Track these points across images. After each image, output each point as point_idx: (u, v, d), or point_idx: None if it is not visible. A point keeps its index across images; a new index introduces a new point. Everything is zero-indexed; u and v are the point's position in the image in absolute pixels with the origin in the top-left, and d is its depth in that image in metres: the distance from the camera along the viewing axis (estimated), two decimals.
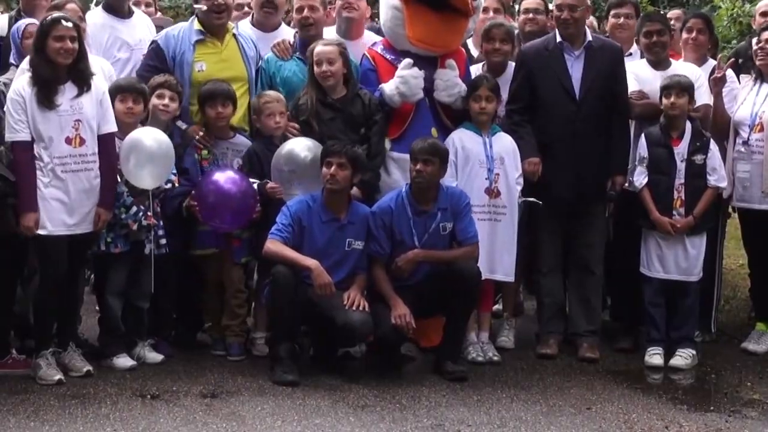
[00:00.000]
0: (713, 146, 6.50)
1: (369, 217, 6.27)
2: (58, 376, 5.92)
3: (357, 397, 5.76)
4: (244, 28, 7.01)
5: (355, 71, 6.61)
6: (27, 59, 6.11)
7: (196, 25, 6.73)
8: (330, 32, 6.98)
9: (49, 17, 5.92)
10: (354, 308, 6.09)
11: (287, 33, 7.04)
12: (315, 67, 6.44)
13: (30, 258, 6.11)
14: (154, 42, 6.74)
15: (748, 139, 6.64)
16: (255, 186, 6.35)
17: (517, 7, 7.79)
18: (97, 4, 7.35)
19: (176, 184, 6.37)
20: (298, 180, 6.31)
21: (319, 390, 5.88)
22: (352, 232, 6.23)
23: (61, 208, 5.89)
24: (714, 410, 5.70)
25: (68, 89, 5.89)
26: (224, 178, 6.33)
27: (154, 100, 6.31)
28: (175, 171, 6.34)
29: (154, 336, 6.51)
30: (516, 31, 7.24)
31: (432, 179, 6.21)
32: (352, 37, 6.91)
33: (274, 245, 6.10)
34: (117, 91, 6.24)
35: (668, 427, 5.41)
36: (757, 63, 6.64)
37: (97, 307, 6.57)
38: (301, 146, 6.33)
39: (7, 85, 6.01)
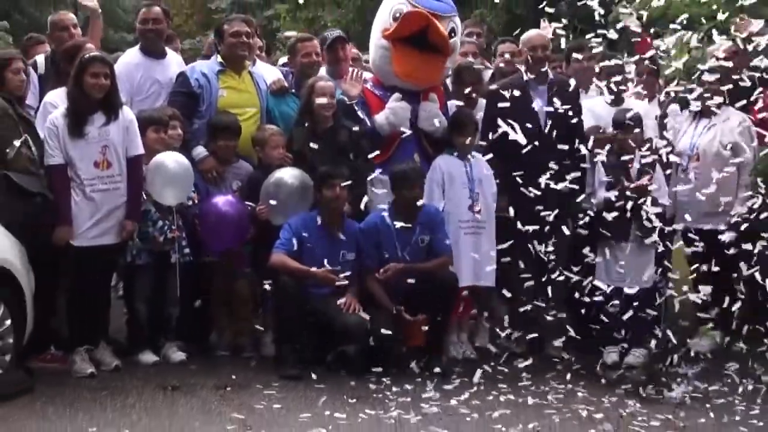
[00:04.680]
0: (658, 169, 6.57)
1: (359, 234, 6.35)
2: (91, 370, 6.02)
3: (353, 390, 5.81)
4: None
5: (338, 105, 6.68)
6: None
7: (218, 59, 6.89)
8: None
9: (87, 55, 6.05)
10: (350, 312, 6.21)
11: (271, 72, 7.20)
12: (318, 99, 6.52)
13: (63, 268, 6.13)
14: (181, 73, 6.84)
15: (687, 167, 6.76)
16: (250, 209, 6.43)
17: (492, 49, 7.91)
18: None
19: (196, 201, 6.41)
20: (284, 204, 6.35)
21: (320, 383, 5.92)
22: (345, 245, 6.35)
23: (90, 222, 6.01)
24: (662, 404, 5.74)
25: (97, 118, 6.02)
26: (223, 201, 6.41)
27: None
28: (194, 189, 6.45)
29: (181, 339, 6.50)
30: (490, 70, 7.40)
31: (420, 197, 6.35)
32: (339, 76, 7.01)
33: (279, 257, 6.20)
34: (151, 122, 6.35)
35: (623, 416, 5.44)
36: (700, 105, 6.62)
37: (125, 310, 6.64)
38: (288, 174, 6.40)
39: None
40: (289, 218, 6.34)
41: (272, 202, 6.32)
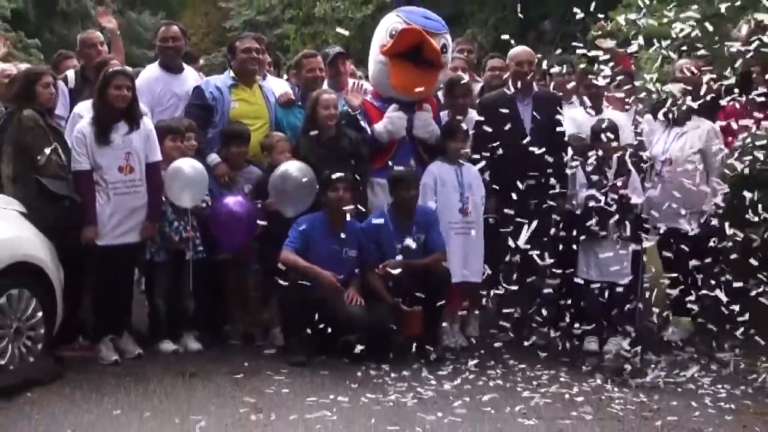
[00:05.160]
0: (633, 173, 6.81)
1: (360, 233, 6.52)
2: (115, 357, 6.20)
3: (355, 375, 5.95)
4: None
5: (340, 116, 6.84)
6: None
7: (231, 74, 7.07)
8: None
9: (111, 70, 6.25)
10: (352, 303, 6.41)
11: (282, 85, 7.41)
12: (323, 111, 6.68)
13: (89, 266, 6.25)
14: (197, 87, 7.03)
15: (660, 171, 6.98)
16: (259, 206, 6.55)
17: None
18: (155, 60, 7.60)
19: (209, 203, 6.58)
20: (291, 196, 6.49)
21: (325, 369, 6.10)
22: (348, 243, 6.52)
23: (113, 222, 6.18)
24: (638, 388, 5.91)
25: (121, 127, 6.20)
26: (233, 201, 6.55)
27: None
28: (208, 192, 6.59)
29: (198, 330, 6.64)
30: (479, 84, 7.60)
31: (417, 198, 6.59)
32: (340, 88, 7.29)
33: (288, 254, 6.37)
34: (168, 132, 6.54)
35: (602, 399, 5.64)
36: (670, 115, 6.86)
37: (146, 303, 6.78)
38: (293, 167, 6.52)
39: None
40: (298, 208, 6.48)
41: (289, 205, 6.46)
